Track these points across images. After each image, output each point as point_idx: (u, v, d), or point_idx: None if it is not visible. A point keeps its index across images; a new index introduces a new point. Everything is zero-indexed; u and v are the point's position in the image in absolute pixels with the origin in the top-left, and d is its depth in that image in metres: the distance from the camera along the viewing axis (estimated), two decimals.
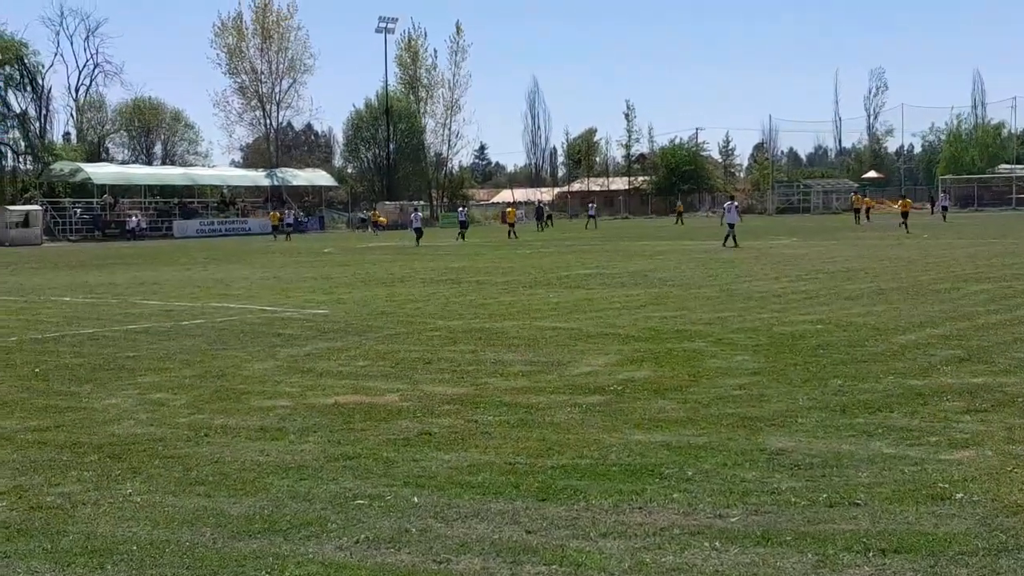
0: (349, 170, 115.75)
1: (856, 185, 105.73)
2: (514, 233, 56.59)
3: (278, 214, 73.54)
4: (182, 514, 6.16)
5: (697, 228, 64.83)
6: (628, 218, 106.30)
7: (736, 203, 41.77)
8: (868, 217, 64.70)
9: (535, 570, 5.13)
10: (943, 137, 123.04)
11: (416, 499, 6.34)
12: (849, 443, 7.47)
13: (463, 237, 55.17)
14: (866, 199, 73.11)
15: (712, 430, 8.00)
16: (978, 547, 5.26)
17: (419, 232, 51.05)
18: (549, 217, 73.73)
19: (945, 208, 66.31)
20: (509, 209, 68.68)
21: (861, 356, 11.33)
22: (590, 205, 79.97)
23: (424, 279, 25.82)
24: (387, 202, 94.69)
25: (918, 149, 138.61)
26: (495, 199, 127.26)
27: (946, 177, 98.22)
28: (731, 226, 38.96)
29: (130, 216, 77.62)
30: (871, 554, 5.20)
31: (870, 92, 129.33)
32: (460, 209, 68.69)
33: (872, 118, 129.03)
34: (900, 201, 54.95)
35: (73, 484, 6.92)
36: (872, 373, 10.26)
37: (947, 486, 6.33)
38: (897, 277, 21.87)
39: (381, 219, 79.57)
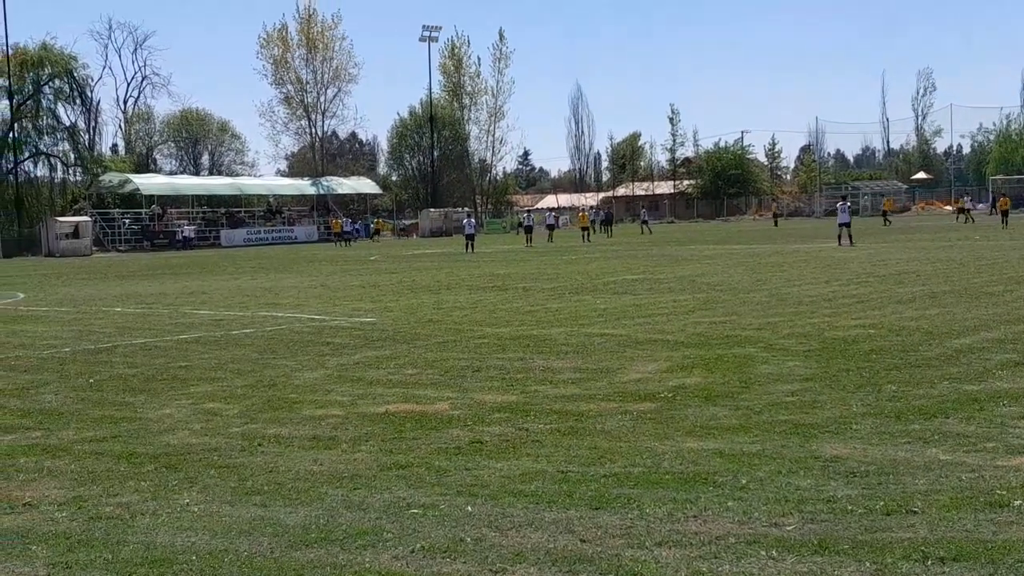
0: (393, 178, 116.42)
1: (904, 186, 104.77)
2: (587, 236, 57.48)
3: (340, 222, 75.80)
4: (239, 524, 6.21)
5: (794, 230, 64.24)
6: (673, 222, 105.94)
7: (849, 203, 43.24)
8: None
9: None
10: (992, 137, 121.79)
11: (470, 508, 6.35)
12: (905, 450, 7.40)
13: (551, 239, 59.69)
14: (886, 200, 76.35)
15: (765, 437, 7.95)
16: None
17: (471, 238, 51.16)
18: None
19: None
20: (582, 213, 69.29)
21: (915, 361, 11.22)
22: (643, 211, 79.78)
23: (470, 286, 25.87)
24: (431, 209, 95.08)
25: (967, 150, 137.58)
26: (539, 204, 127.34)
27: (996, 177, 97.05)
28: (842, 225, 40.27)
29: (180, 226, 78.56)
30: (930, 562, 5.14)
31: (918, 92, 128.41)
32: (549, 213, 71.75)
33: (920, 119, 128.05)
34: (1001, 199, 57.49)
35: (131, 494, 7.00)
36: (927, 378, 10.16)
37: (1005, 493, 6.25)
38: (949, 280, 21.63)
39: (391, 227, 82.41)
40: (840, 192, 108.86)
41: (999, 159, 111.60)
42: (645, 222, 73.66)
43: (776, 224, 75.18)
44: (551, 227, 64.58)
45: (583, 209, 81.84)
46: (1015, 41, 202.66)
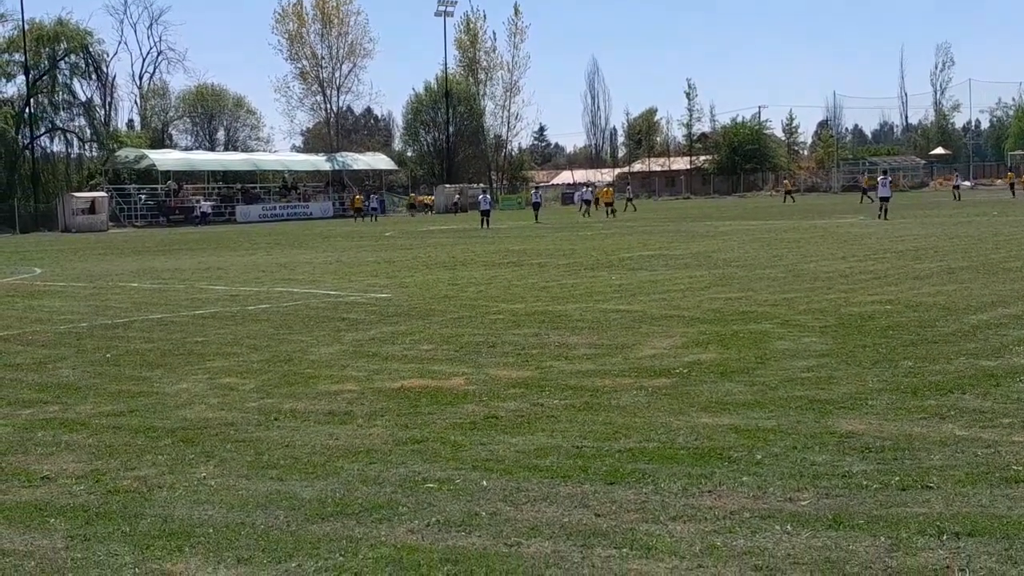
0: (409, 153, 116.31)
1: (922, 162, 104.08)
2: (612, 211, 57.89)
3: (361, 198, 76.14)
4: (256, 497, 6.25)
5: (811, 206, 64.00)
6: (689, 198, 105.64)
7: (890, 178, 43.93)
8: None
9: (605, 553, 5.13)
10: (1011, 112, 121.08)
11: (485, 483, 6.37)
12: (921, 425, 7.38)
13: (588, 214, 60.31)
14: (866, 178, 76.99)
15: (781, 413, 7.94)
16: None
17: (486, 214, 51.16)
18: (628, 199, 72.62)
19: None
20: (606, 189, 68.95)
21: (932, 337, 11.18)
22: (628, 188, 78.58)
23: (485, 262, 25.87)
24: (447, 185, 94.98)
25: (986, 125, 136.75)
26: (555, 180, 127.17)
27: (1015, 152, 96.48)
28: (883, 199, 41.42)
29: (197, 201, 78.69)
30: (944, 537, 5.14)
31: (936, 67, 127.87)
32: (585, 188, 71.76)
33: (939, 94, 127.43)
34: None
35: (148, 468, 7.05)
36: (943, 354, 10.12)
37: (1021, 468, 6.24)
38: (967, 256, 21.53)
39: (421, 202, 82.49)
40: (861, 167, 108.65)
41: (1018, 134, 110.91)
42: (630, 199, 71.07)
43: (793, 200, 74.07)
44: (587, 202, 64.55)
45: (606, 185, 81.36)
46: None
